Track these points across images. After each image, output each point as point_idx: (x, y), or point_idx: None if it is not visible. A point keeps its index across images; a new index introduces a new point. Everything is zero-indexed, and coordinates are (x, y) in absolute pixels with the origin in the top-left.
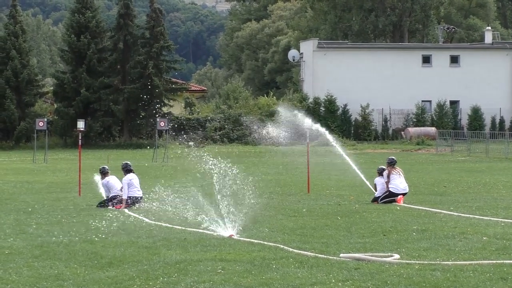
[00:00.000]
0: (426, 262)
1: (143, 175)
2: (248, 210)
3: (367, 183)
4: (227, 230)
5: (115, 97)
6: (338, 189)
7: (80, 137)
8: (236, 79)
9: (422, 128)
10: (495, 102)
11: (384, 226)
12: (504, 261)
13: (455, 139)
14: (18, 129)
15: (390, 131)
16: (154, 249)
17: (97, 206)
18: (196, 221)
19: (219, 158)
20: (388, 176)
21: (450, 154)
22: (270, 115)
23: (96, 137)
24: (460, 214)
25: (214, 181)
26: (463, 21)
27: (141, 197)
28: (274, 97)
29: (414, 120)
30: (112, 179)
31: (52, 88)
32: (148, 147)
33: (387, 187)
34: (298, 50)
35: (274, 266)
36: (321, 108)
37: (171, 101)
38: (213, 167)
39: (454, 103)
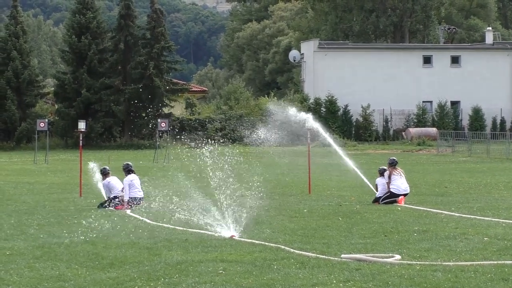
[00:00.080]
0: (427, 262)
1: (144, 176)
2: (249, 211)
3: (368, 182)
4: (228, 231)
5: (116, 97)
6: (339, 190)
7: (81, 138)
8: (237, 80)
9: (423, 128)
10: (496, 103)
11: (385, 227)
12: (505, 261)
13: (456, 139)
14: (19, 130)
15: (391, 132)
16: (155, 250)
17: (98, 207)
18: (197, 222)
19: (220, 159)
20: (389, 177)
21: (451, 155)
22: (262, 115)
23: (97, 138)
24: (461, 215)
25: (215, 182)
26: (464, 21)
27: (142, 198)
28: (275, 98)
29: (415, 120)
30: (113, 179)
31: (53, 88)
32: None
33: (388, 187)
34: (299, 50)
35: (275, 267)
36: (322, 108)
37: (172, 101)
38: (214, 168)
39: (455, 104)
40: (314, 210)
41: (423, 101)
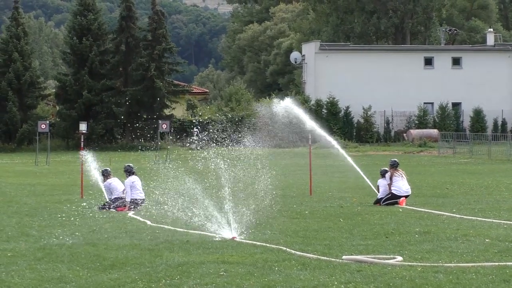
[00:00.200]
0: (429, 264)
1: (146, 177)
2: (251, 212)
3: (370, 183)
4: (230, 232)
5: (117, 99)
6: (340, 191)
7: (82, 139)
8: (238, 81)
9: (424, 130)
10: (497, 104)
11: (387, 228)
12: (507, 263)
13: (457, 141)
14: (20, 131)
15: (392, 133)
16: (157, 252)
17: (99, 209)
18: (198, 223)
19: (221, 160)
20: (391, 178)
21: (452, 156)
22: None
23: (98, 139)
24: (462, 216)
25: (216, 183)
26: (465, 23)
27: (143, 199)
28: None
29: (416, 122)
30: (114, 181)
31: (54, 90)
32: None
33: (390, 189)
34: (300, 52)
35: (276, 268)
36: (323, 110)
37: (173, 103)
38: (214, 169)
39: (456, 105)
40: (316, 212)
41: (424, 103)
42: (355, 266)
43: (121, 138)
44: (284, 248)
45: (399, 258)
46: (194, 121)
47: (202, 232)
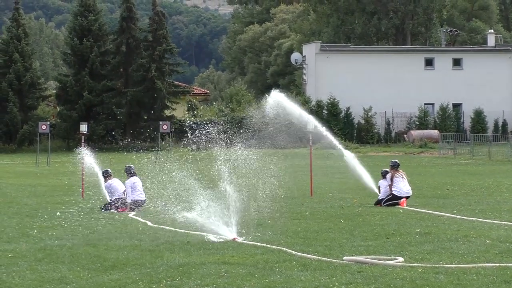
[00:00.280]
0: (430, 265)
1: (146, 178)
2: (251, 213)
3: (371, 184)
4: (231, 233)
5: (117, 100)
6: (341, 192)
7: (82, 140)
8: (238, 82)
9: (424, 131)
10: (497, 105)
11: (387, 229)
12: (508, 264)
13: (458, 142)
14: (21, 132)
15: (393, 134)
16: (157, 252)
17: (100, 209)
18: (199, 224)
19: (222, 161)
20: (392, 179)
21: (453, 157)
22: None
23: (99, 140)
24: (463, 217)
25: (217, 184)
26: (465, 24)
27: (144, 200)
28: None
29: (417, 123)
30: (115, 182)
31: (54, 91)
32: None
33: (390, 190)
34: (301, 53)
35: (277, 269)
36: (323, 111)
37: (173, 104)
38: (215, 170)
39: (456, 106)
40: (316, 213)
41: (425, 104)
42: (355, 267)
43: (122, 139)
44: (285, 249)
45: (400, 259)
46: (189, 122)
47: (203, 233)
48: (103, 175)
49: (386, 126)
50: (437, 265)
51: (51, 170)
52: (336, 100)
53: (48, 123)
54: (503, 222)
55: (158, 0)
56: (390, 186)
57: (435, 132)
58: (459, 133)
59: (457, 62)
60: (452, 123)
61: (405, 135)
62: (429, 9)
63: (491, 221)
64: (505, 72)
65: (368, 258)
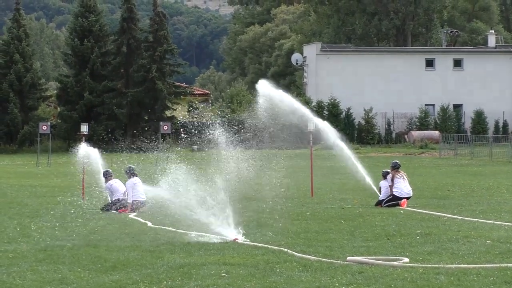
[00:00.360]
0: (430, 265)
1: (146, 178)
2: (252, 214)
3: (372, 185)
4: (231, 233)
5: (118, 100)
6: (342, 193)
7: (83, 141)
8: (239, 83)
9: (425, 131)
10: (498, 106)
11: (388, 230)
12: (508, 264)
13: (459, 142)
14: (22, 132)
15: (394, 135)
16: (158, 253)
17: (101, 210)
18: (200, 225)
19: (222, 162)
20: (392, 180)
21: (454, 158)
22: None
23: (99, 141)
24: (463, 218)
25: (218, 184)
26: (466, 24)
27: (144, 201)
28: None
29: (418, 123)
30: (115, 182)
31: (55, 91)
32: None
33: (391, 190)
34: (301, 53)
35: (278, 270)
36: (324, 111)
37: (174, 104)
38: (216, 171)
39: (457, 107)
40: (317, 213)
41: (426, 104)
42: (356, 267)
43: (122, 139)
44: (286, 250)
45: (406, 259)
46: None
47: (203, 234)
48: (104, 176)
49: (386, 126)
50: (437, 266)
51: (51, 171)
52: (336, 101)
53: (49, 123)
54: (504, 223)
55: (158, 0)
56: (391, 186)
57: (435, 133)
58: (460, 134)
59: (457, 63)
60: (453, 123)
61: (405, 136)
62: (430, 9)
63: (492, 221)
64: (506, 72)
65: (372, 259)
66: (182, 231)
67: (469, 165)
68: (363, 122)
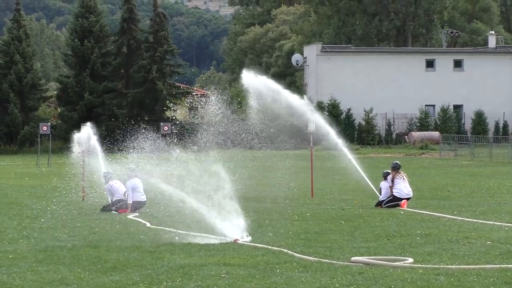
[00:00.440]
0: (430, 266)
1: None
2: (252, 214)
3: (372, 185)
4: (232, 234)
5: (118, 101)
6: (342, 194)
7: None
8: (239, 83)
9: (425, 132)
10: (498, 106)
11: (388, 231)
12: (508, 265)
13: (459, 143)
14: (22, 133)
15: (394, 136)
16: (158, 254)
17: (101, 211)
18: (200, 226)
19: (223, 162)
20: (392, 181)
21: (454, 159)
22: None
23: (99, 142)
24: (463, 219)
25: (218, 185)
26: (466, 25)
27: (145, 202)
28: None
29: (418, 124)
30: (115, 183)
31: (55, 92)
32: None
33: (391, 191)
34: (302, 54)
35: (278, 271)
36: (324, 112)
37: (174, 105)
38: (216, 171)
39: (457, 108)
40: (317, 214)
41: (426, 105)
42: (356, 268)
43: (123, 140)
44: (286, 251)
45: (410, 260)
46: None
47: (203, 235)
48: (104, 177)
49: (387, 127)
50: (437, 266)
51: (52, 171)
52: (337, 102)
53: (49, 124)
54: (504, 224)
55: (159, 1)
56: (391, 187)
57: (436, 134)
58: (460, 135)
59: (458, 64)
60: (453, 124)
61: (406, 137)
62: (430, 10)
63: (492, 222)
64: (506, 73)
65: (376, 259)
66: (182, 231)
67: (469, 166)
68: (363, 122)
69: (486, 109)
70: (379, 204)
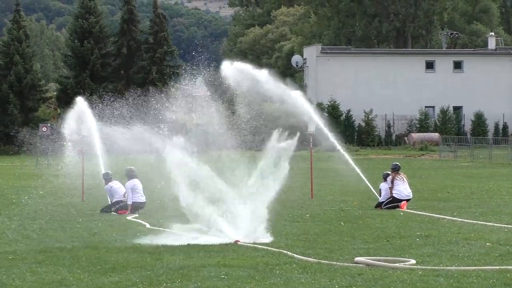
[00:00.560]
0: (430, 267)
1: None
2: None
3: (370, 186)
4: (233, 235)
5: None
6: (342, 195)
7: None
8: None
9: (425, 133)
10: (498, 108)
11: (388, 232)
12: (508, 267)
13: (459, 144)
14: (21, 134)
15: (394, 137)
16: (157, 255)
17: (100, 211)
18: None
19: (223, 163)
20: (392, 182)
21: (454, 160)
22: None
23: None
24: (463, 220)
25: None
26: (466, 26)
27: (144, 203)
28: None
29: (418, 125)
30: (115, 184)
31: (55, 93)
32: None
33: (391, 192)
34: (302, 55)
35: (277, 272)
36: (324, 113)
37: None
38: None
39: (457, 109)
40: (316, 215)
41: (426, 106)
42: (356, 269)
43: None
44: (285, 252)
45: (412, 261)
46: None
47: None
48: (103, 178)
49: (386, 128)
50: (437, 268)
51: (51, 172)
52: (336, 103)
53: (49, 125)
54: (504, 225)
55: (159, 2)
56: (391, 188)
57: (435, 135)
58: (460, 136)
59: (457, 65)
60: (453, 126)
61: (405, 138)
62: (430, 12)
63: (492, 224)
64: (506, 75)
65: (379, 260)
66: (182, 232)
67: (469, 167)
68: (363, 124)
69: (485, 111)
70: (379, 205)
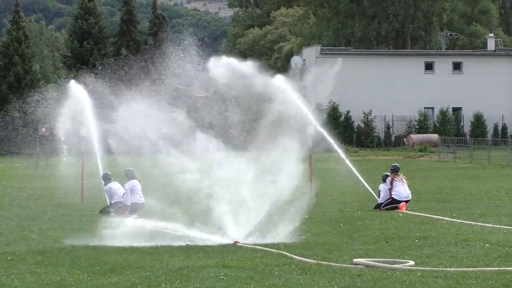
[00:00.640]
0: (429, 268)
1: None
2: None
3: (369, 188)
4: (233, 236)
5: None
6: (341, 196)
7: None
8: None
9: (424, 135)
10: (497, 109)
11: (387, 233)
12: (507, 268)
13: (458, 146)
14: (21, 134)
15: (393, 138)
16: (157, 255)
17: (99, 212)
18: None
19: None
20: (391, 183)
21: (453, 161)
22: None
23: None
24: (462, 221)
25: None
26: (465, 28)
27: (143, 204)
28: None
29: (417, 127)
30: (114, 185)
31: (55, 94)
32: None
33: (390, 194)
34: (301, 56)
35: (276, 273)
36: (323, 114)
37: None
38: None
39: (456, 110)
40: (316, 216)
41: (425, 108)
42: (355, 270)
43: None
44: (284, 253)
45: (411, 262)
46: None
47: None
48: (103, 178)
49: (386, 129)
50: (436, 269)
51: (50, 173)
52: (336, 104)
53: (48, 125)
54: (503, 226)
55: (158, 3)
56: (390, 190)
57: (434, 136)
58: (459, 137)
59: (457, 66)
60: (452, 127)
61: (405, 139)
62: (429, 13)
63: (491, 225)
64: (505, 76)
65: (379, 261)
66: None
67: (468, 168)
68: (362, 125)
69: (485, 112)
70: (378, 206)
